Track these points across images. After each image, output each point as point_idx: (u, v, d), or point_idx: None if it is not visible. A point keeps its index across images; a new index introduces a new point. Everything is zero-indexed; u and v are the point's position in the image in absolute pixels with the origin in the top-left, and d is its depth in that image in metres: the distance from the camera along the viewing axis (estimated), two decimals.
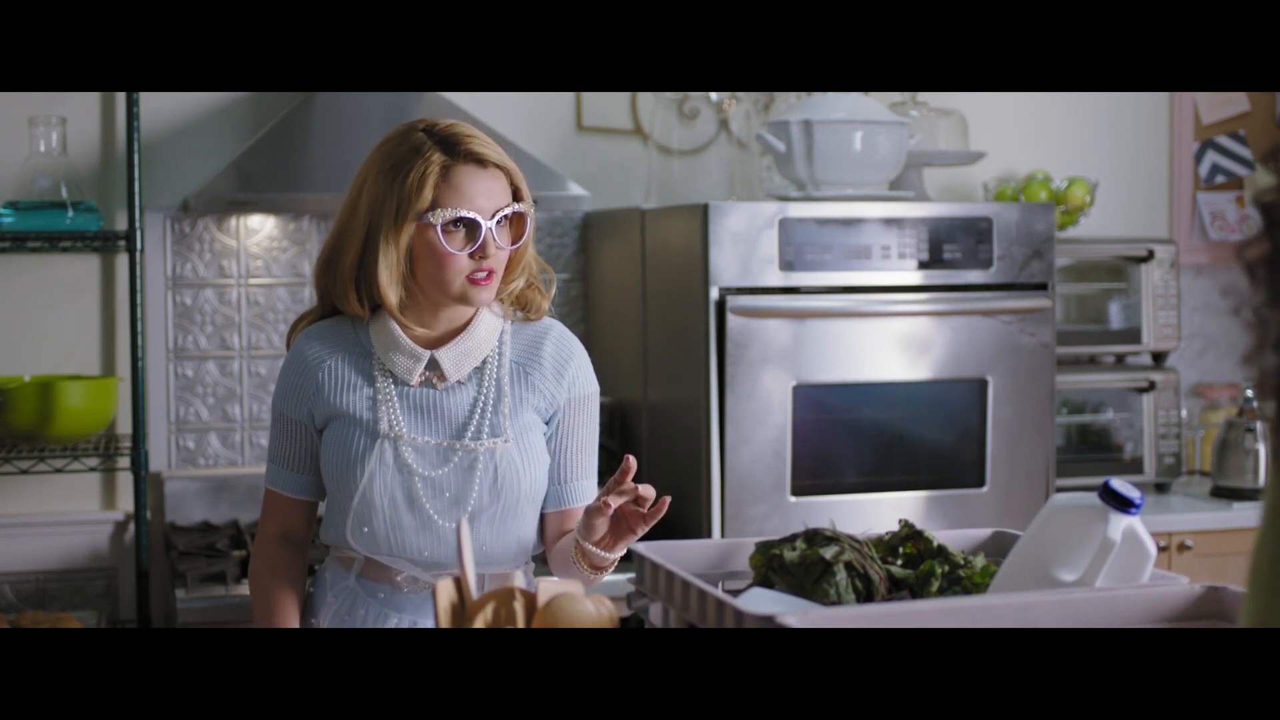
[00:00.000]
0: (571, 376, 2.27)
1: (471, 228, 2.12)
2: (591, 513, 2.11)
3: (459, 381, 2.21)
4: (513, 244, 2.17)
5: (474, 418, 2.20)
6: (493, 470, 2.19)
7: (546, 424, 2.27)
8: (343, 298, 2.19)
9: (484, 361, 2.22)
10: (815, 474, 3.27)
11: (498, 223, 2.13)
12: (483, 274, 2.13)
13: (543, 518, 2.29)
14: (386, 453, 2.17)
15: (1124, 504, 1.65)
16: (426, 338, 2.21)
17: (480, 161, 2.13)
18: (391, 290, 2.14)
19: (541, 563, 2.41)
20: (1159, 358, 4.03)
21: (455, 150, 2.12)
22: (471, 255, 2.12)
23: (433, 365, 2.20)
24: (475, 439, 2.19)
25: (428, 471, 2.18)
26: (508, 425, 2.21)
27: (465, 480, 2.18)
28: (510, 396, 2.22)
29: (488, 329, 2.22)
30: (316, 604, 2.27)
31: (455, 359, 2.20)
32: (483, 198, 2.12)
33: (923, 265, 3.33)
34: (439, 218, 2.10)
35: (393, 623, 2.21)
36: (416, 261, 2.14)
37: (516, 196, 2.17)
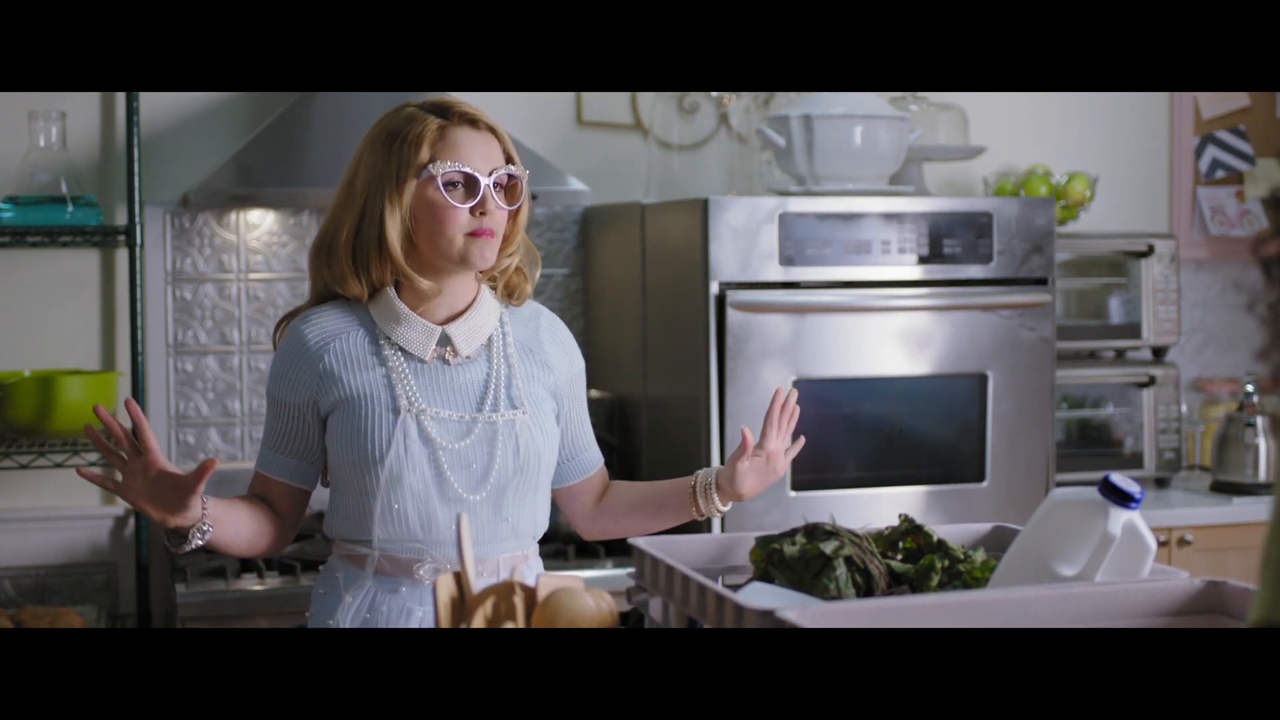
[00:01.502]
0: (570, 353, 2.34)
1: (471, 183, 2.16)
2: (739, 460, 2.27)
3: (469, 357, 2.22)
4: (511, 205, 2.20)
5: (489, 391, 2.21)
6: (514, 441, 2.19)
7: (554, 400, 2.30)
8: (341, 279, 2.20)
9: (489, 339, 2.24)
10: (815, 469, 3.27)
11: (495, 182, 2.17)
12: (484, 232, 2.16)
13: (566, 491, 2.37)
14: (410, 427, 2.16)
15: (1124, 499, 1.65)
16: (430, 318, 2.22)
17: (473, 123, 2.19)
18: (400, 252, 2.16)
19: (545, 547, 2.40)
20: (1159, 352, 4.03)
21: (448, 113, 2.18)
22: (472, 211, 2.15)
23: (442, 342, 2.21)
24: (494, 410, 2.20)
25: (451, 444, 2.17)
26: (523, 398, 2.23)
27: (489, 452, 2.18)
28: (520, 373, 2.25)
29: (490, 307, 2.25)
30: (332, 605, 2.22)
31: (467, 333, 2.21)
32: (478, 158, 2.17)
33: (923, 260, 3.33)
34: (439, 170, 2.13)
35: (416, 617, 2.18)
36: (417, 224, 2.16)
37: (510, 163, 2.21)
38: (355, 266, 2.18)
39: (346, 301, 2.23)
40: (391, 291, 2.20)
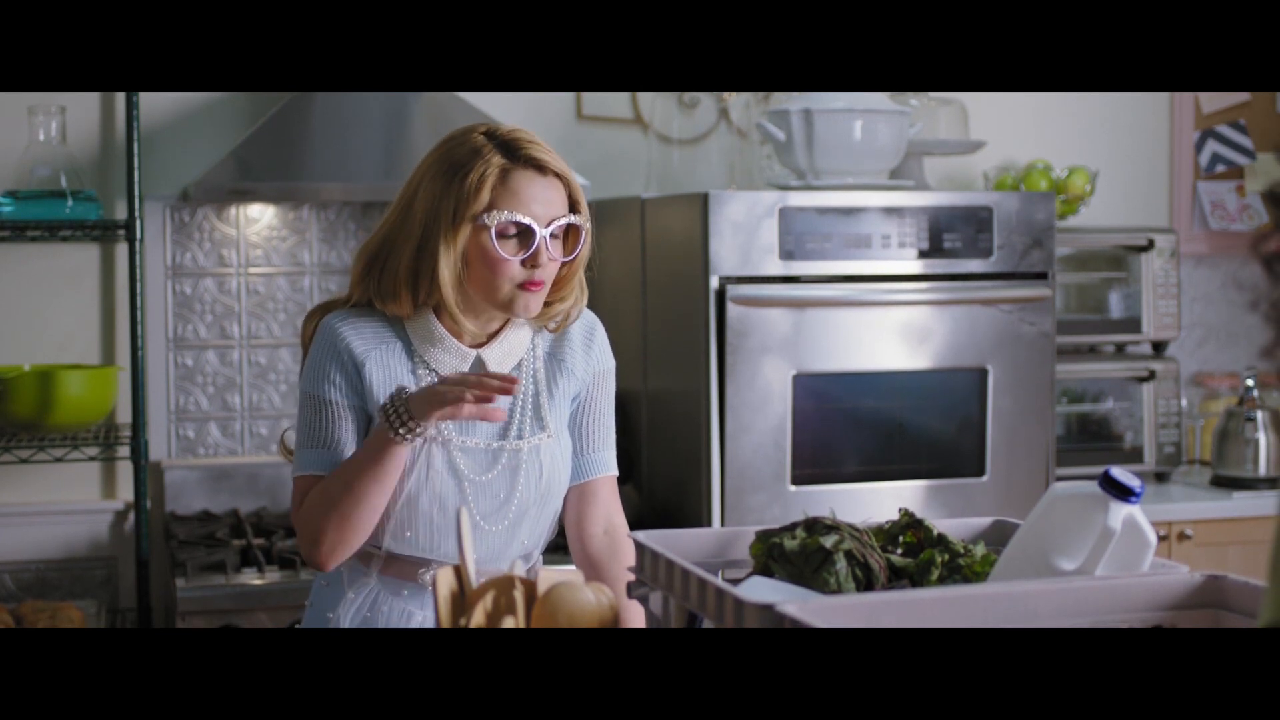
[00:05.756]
0: (598, 349, 2.28)
1: (526, 234, 2.09)
2: None
3: None
4: (566, 256, 2.15)
5: (515, 415, 2.18)
6: (538, 467, 2.18)
7: (571, 402, 2.26)
8: (392, 297, 2.13)
9: (519, 361, 2.21)
10: (815, 463, 3.27)
11: (552, 233, 2.11)
12: (533, 283, 2.11)
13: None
14: (436, 457, 2.13)
15: (1124, 493, 1.65)
16: (462, 340, 2.18)
17: (540, 168, 2.11)
18: (452, 291, 2.10)
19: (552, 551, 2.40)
20: (1159, 347, 4.03)
21: (515, 154, 2.10)
22: (524, 263, 2.09)
23: (476, 367, 2.17)
24: (519, 437, 2.18)
25: (477, 476, 2.14)
26: (549, 418, 2.20)
27: (512, 482, 2.16)
28: (548, 390, 2.21)
29: (523, 330, 2.21)
30: (334, 598, 2.21)
31: (500, 357, 2.17)
32: (539, 205, 2.10)
33: (923, 254, 3.33)
34: (494, 220, 2.07)
35: (417, 620, 2.17)
36: (469, 265, 2.11)
37: (574, 209, 2.15)
38: (410, 289, 2.12)
39: (383, 313, 2.18)
40: (431, 313, 2.15)
